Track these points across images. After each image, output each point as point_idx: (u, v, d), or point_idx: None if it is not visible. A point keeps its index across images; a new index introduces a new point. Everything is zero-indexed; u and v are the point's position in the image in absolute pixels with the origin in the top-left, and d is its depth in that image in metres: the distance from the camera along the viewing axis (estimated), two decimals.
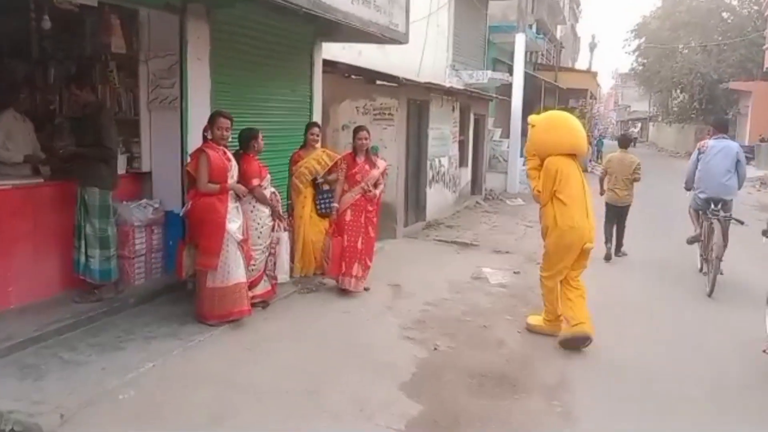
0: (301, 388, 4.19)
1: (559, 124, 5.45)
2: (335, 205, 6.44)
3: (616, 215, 8.47)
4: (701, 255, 7.65)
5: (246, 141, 5.53)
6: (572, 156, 5.30)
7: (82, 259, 5.28)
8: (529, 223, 11.55)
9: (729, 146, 7.38)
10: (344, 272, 6.37)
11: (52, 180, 5.41)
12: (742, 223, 7.04)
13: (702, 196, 7.37)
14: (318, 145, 6.94)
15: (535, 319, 5.58)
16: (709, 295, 6.85)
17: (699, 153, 7.54)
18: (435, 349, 5.02)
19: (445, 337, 5.28)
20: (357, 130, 6.59)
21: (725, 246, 6.93)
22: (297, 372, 4.46)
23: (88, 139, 5.18)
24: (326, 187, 6.75)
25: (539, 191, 5.32)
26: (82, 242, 5.26)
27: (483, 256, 8.69)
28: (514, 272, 7.69)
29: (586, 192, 5.27)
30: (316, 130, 6.82)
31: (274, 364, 4.60)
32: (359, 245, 6.41)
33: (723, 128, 7.85)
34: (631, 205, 8.51)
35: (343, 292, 6.37)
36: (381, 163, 6.60)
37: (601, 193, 8.45)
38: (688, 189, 7.80)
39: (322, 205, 6.72)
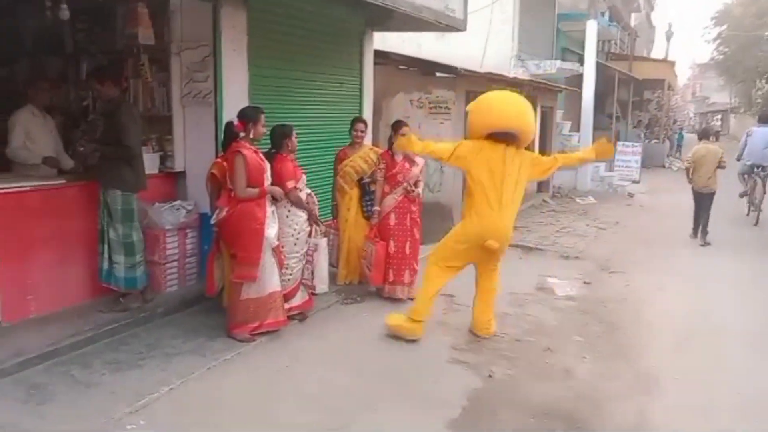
0: (327, 424, 3.62)
1: (485, 106, 4.83)
2: (376, 208, 5.87)
3: (703, 202, 9.20)
4: (749, 202, 10.86)
5: (279, 139, 4.99)
6: (505, 141, 4.62)
7: (107, 265, 4.92)
8: (601, 224, 10.64)
9: (767, 131, 10.58)
10: (393, 281, 5.86)
11: (75, 181, 5.05)
12: None
13: (748, 163, 10.62)
14: (365, 142, 6.37)
15: (397, 319, 4.94)
16: (755, 224, 10.36)
17: (747, 136, 10.86)
18: (490, 376, 4.34)
19: (503, 362, 4.60)
20: (398, 125, 5.92)
21: (765, 193, 10.35)
22: (327, 402, 3.89)
23: (110, 138, 4.78)
24: (373, 187, 6.18)
25: (435, 153, 4.88)
26: (106, 248, 4.89)
27: (549, 262, 7.91)
28: (585, 282, 6.88)
29: (504, 180, 4.58)
30: (361, 126, 6.22)
31: (302, 391, 4.04)
32: (407, 250, 5.85)
33: (765, 120, 11.03)
34: (715, 192, 9.15)
35: (390, 301, 5.79)
36: (419, 160, 5.97)
37: (690, 182, 9.45)
38: (738, 159, 10.85)
39: (369, 207, 6.18)
